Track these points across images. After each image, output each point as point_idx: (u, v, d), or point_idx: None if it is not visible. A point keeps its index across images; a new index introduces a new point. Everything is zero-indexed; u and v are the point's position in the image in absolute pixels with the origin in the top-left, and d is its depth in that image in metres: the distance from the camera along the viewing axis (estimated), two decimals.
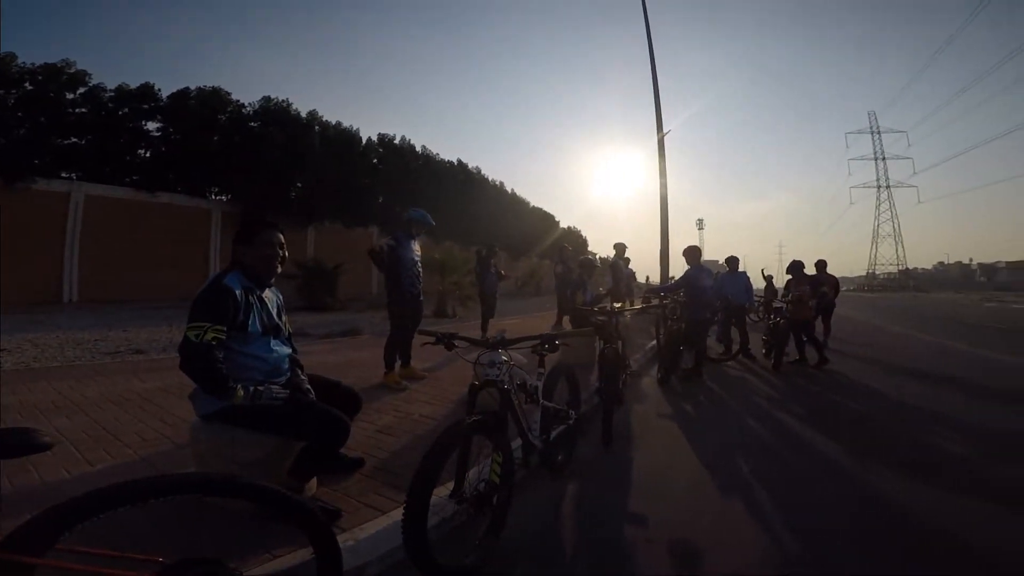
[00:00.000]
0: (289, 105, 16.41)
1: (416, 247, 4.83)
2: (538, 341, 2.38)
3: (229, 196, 15.92)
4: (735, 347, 7.38)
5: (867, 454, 3.37)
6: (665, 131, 10.14)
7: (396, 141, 20.14)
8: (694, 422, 4.31)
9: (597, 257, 28.61)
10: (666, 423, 4.24)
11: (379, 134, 19.61)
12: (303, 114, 16.76)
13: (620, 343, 4.27)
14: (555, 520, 2.43)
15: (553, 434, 2.78)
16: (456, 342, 2.24)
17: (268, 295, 2.28)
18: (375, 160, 19.16)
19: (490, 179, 26.34)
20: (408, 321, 4.63)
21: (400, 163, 19.73)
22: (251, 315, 2.11)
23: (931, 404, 4.84)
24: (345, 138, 17.85)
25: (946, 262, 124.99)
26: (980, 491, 2.78)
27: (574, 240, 35.65)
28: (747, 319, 7.89)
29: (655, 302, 6.54)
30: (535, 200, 36.93)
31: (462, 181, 23.19)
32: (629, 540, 2.23)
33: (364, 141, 18.85)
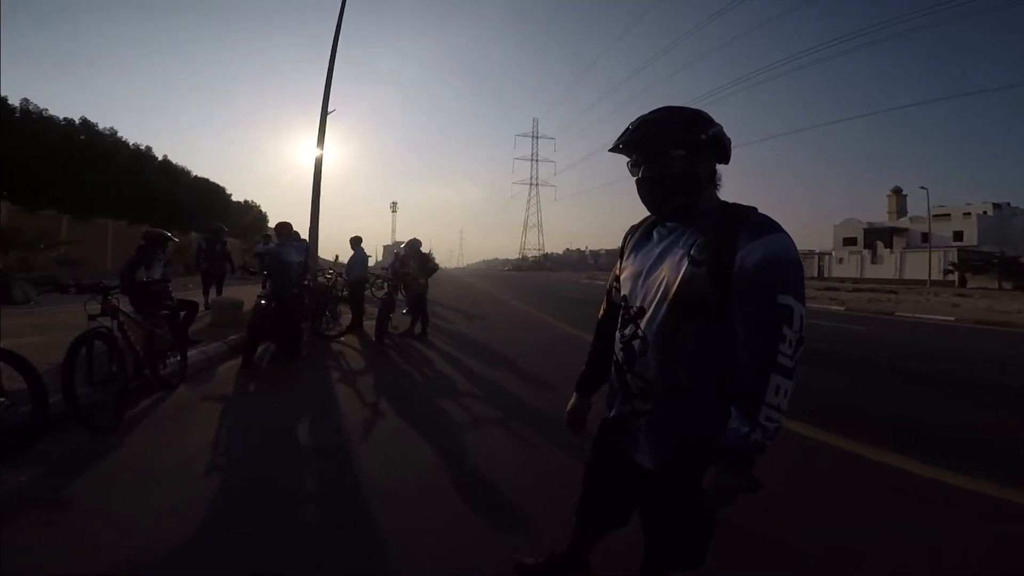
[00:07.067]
0: None
1: None
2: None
3: None
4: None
5: (406, 407, 4.20)
6: (331, 109, 10.69)
7: None
8: (262, 399, 4.49)
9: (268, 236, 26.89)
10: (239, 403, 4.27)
11: None
12: None
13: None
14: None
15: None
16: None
17: None
18: None
19: (131, 143, 22.03)
20: None
21: None
22: None
23: (496, 359, 6.34)
24: None
25: (570, 248, 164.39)
26: (506, 421, 3.85)
27: (252, 214, 32.42)
28: (370, 294, 9.12)
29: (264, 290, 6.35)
30: (200, 170, 32.20)
31: (84, 143, 18.80)
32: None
33: None
